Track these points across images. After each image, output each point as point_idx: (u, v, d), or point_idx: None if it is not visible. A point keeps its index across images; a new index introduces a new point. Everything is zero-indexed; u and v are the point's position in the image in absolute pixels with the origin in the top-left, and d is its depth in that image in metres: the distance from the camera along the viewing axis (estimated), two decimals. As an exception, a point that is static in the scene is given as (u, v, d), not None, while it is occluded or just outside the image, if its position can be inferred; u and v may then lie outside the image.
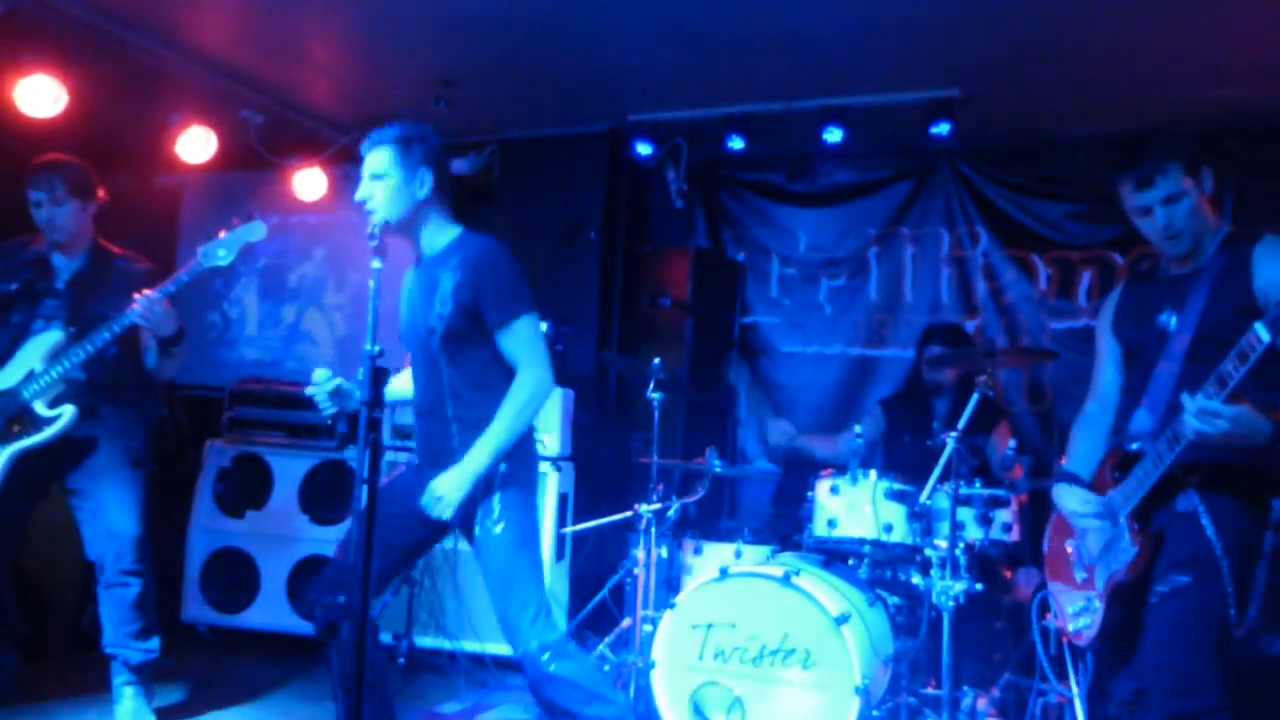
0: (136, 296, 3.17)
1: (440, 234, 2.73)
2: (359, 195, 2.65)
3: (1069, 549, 2.62)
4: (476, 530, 2.64)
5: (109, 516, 3.32)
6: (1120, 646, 2.49)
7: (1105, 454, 2.55)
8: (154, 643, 3.39)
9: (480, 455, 2.57)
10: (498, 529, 2.62)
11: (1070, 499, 2.56)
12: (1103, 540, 2.46)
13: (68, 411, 3.20)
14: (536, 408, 2.65)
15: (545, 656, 2.57)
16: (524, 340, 2.64)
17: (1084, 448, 2.66)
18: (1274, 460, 2.31)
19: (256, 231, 3.30)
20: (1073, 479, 2.60)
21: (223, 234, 3.30)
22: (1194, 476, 2.30)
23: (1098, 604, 2.45)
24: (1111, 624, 2.43)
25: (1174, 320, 2.43)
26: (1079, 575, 2.56)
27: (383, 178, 2.64)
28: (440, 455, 2.66)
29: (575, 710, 2.59)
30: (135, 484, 3.38)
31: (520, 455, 2.69)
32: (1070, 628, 2.57)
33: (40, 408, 3.20)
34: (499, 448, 2.59)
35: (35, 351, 3.24)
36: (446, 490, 2.56)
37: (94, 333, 3.21)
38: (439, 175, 2.69)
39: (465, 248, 2.69)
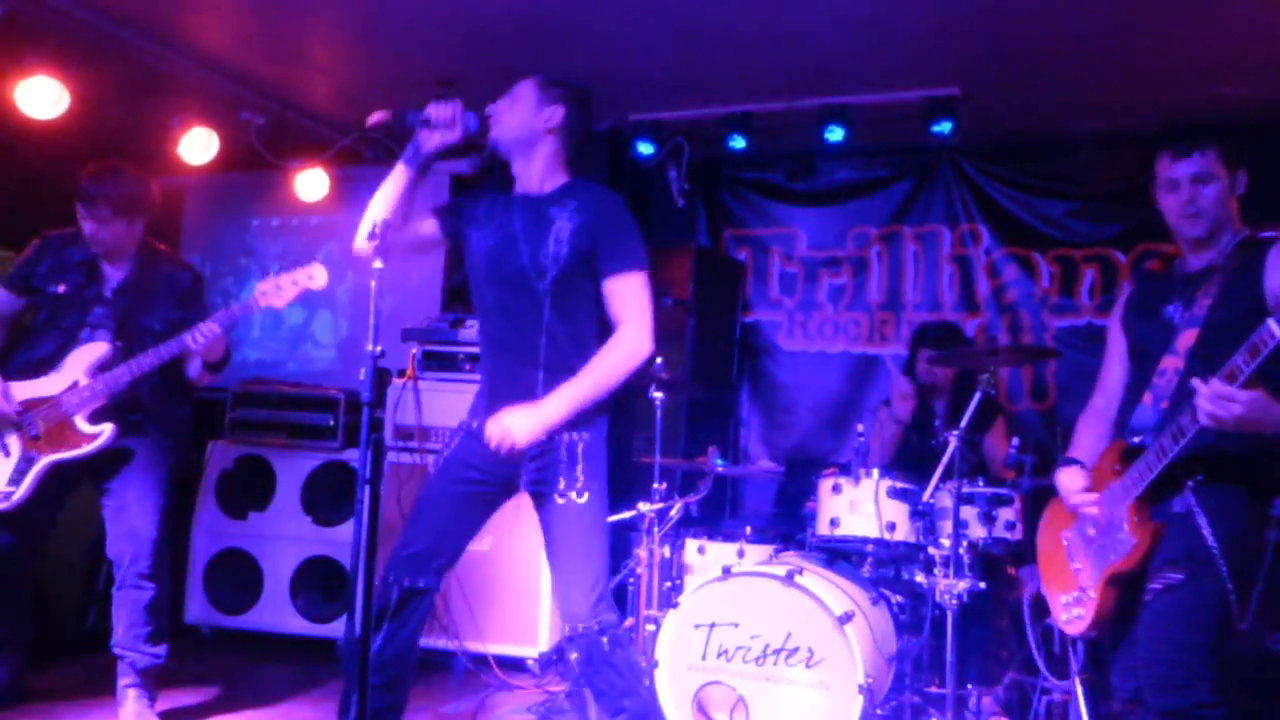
0: (192, 334, 3.17)
1: (553, 175, 2.66)
2: (489, 107, 2.62)
3: (1064, 540, 2.64)
4: (558, 499, 2.53)
5: (131, 517, 3.30)
6: (1118, 639, 2.50)
7: (1107, 446, 2.57)
8: (162, 649, 3.38)
9: (560, 401, 2.48)
10: (583, 499, 2.54)
11: (1067, 478, 2.60)
12: (1099, 529, 2.47)
13: (107, 430, 3.19)
14: (631, 367, 2.56)
15: (605, 639, 2.51)
16: (632, 295, 2.57)
17: (1086, 438, 2.69)
18: (1273, 457, 2.31)
19: (318, 278, 3.19)
20: (1073, 462, 2.63)
21: (283, 276, 3.21)
22: (1191, 476, 2.30)
23: (1091, 594, 2.46)
24: (1107, 614, 2.44)
25: (1179, 314, 2.44)
26: (1073, 565, 2.57)
27: (515, 97, 2.63)
28: (516, 401, 2.52)
29: (618, 698, 2.53)
30: (162, 490, 3.36)
31: (601, 428, 2.61)
32: (1063, 618, 2.59)
33: (81, 422, 3.18)
34: (582, 399, 2.50)
35: (81, 361, 3.21)
36: (516, 424, 2.45)
37: (142, 352, 3.17)
38: (569, 117, 2.63)
39: (584, 193, 2.63)
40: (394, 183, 2.61)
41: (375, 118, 2.51)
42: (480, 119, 2.60)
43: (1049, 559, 2.72)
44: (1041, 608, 3.84)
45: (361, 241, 2.57)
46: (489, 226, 2.65)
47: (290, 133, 5.34)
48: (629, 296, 2.57)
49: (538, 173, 2.65)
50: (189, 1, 4.23)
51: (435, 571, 2.61)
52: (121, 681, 3.34)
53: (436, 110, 2.53)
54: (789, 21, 4.10)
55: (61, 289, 3.31)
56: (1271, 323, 2.02)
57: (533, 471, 2.58)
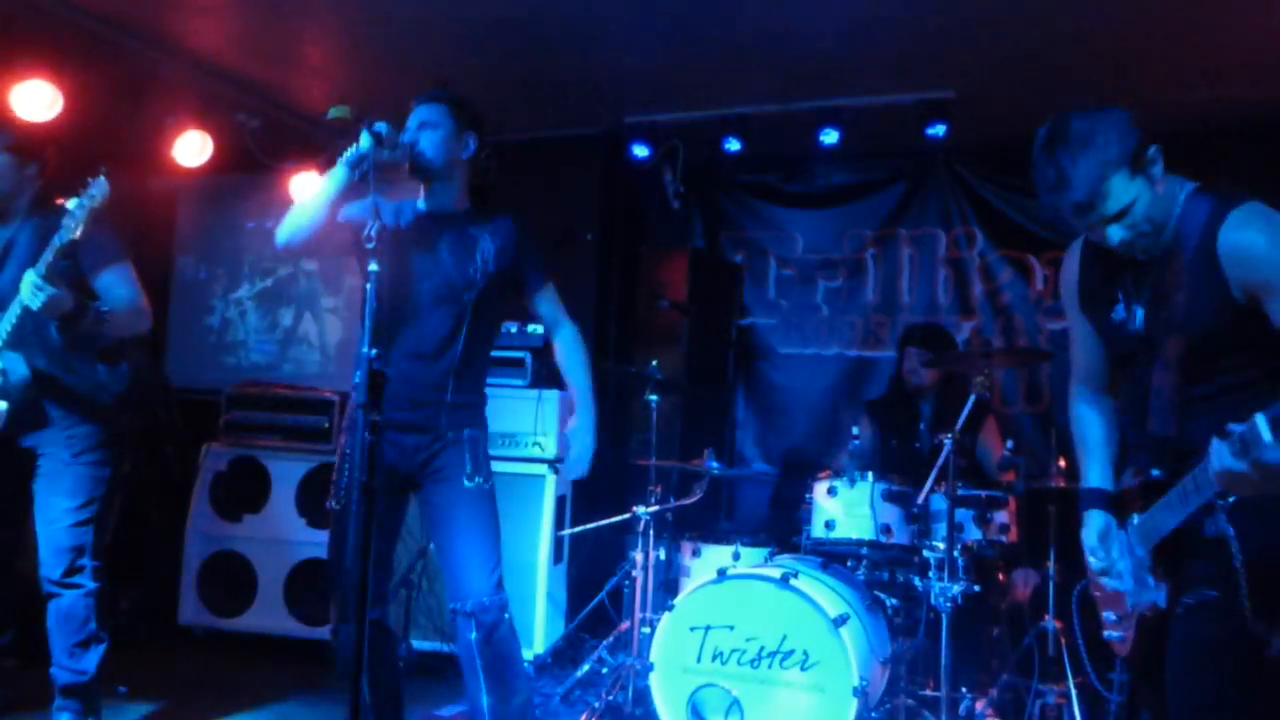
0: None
1: (462, 199, 2.88)
2: (405, 136, 2.73)
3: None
4: (466, 482, 2.70)
5: (45, 521, 3.05)
6: (1145, 678, 2.35)
7: (1130, 480, 2.29)
8: (87, 662, 3.06)
9: (591, 407, 2.91)
10: (487, 484, 2.75)
11: (1088, 535, 2.34)
12: (1133, 561, 2.27)
13: None
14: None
15: (507, 615, 2.66)
16: (557, 300, 2.94)
17: (1098, 448, 2.40)
18: None
19: (100, 189, 2.89)
20: (1095, 501, 2.35)
21: (70, 203, 2.89)
22: (1228, 499, 2.04)
23: (1128, 621, 2.31)
24: (1142, 642, 2.28)
25: (1140, 314, 2.15)
26: (1114, 583, 2.35)
27: (435, 127, 2.77)
28: (421, 405, 2.70)
29: (512, 680, 2.63)
30: (76, 489, 3.05)
31: (486, 422, 2.86)
32: (1106, 635, 2.40)
33: None
34: (593, 398, 2.91)
35: None
36: (584, 437, 2.89)
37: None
38: (479, 146, 2.86)
39: (496, 218, 2.87)
40: (330, 186, 2.68)
41: (336, 116, 2.66)
42: (414, 150, 2.74)
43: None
44: (1038, 608, 3.86)
45: (295, 238, 2.73)
46: (406, 238, 2.76)
47: (285, 135, 5.33)
48: (555, 300, 2.95)
49: (453, 194, 2.85)
50: (183, 4, 4.22)
51: (384, 599, 2.81)
52: (56, 702, 3.11)
53: (387, 129, 2.63)
54: (784, 24, 4.11)
55: None
56: None
57: (431, 463, 2.73)
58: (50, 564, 3.05)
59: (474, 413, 2.82)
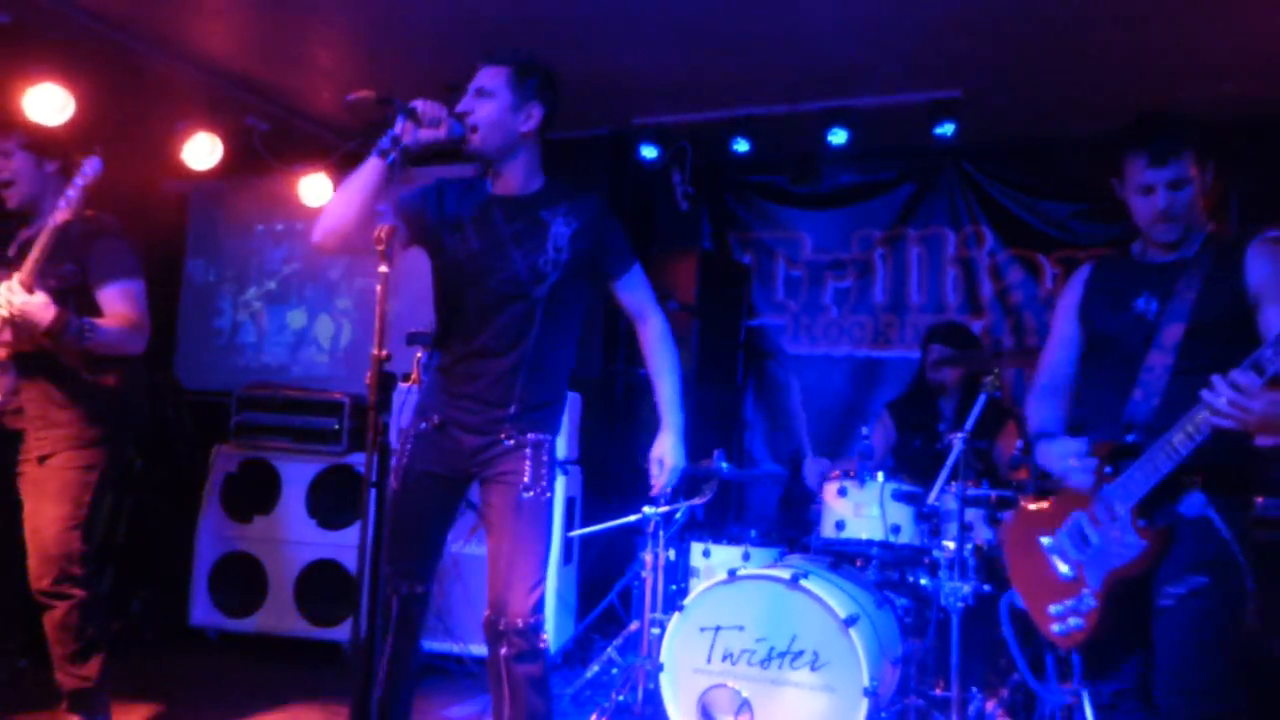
0: None
1: (533, 176, 2.61)
2: (459, 106, 2.47)
3: (1043, 546, 2.49)
4: (525, 492, 2.52)
5: (31, 530, 2.98)
6: (1105, 646, 2.41)
7: (1096, 444, 2.43)
8: (90, 669, 3.02)
9: (678, 412, 2.67)
10: (545, 495, 2.56)
11: (1058, 449, 2.48)
12: (1098, 531, 2.37)
13: None
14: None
15: (542, 638, 2.52)
16: (645, 285, 2.70)
17: (1048, 413, 2.60)
18: (1253, 458, 2.30)
19: (93, 167, 2.87)
20: (1051, 434, 2.55)
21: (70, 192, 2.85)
22: (1197, 477, 2.24)
23: (1090, 601, 2.36)
24: (1108, 621, 2.35)
25: (1155, 307, 2.38)
26: (1060, 572, 2.44)
27: (491, 96, 2.49)
28: (487, 406, 2.53)
29: (542, 691, 2.54)
30: (64, 494, 2.97)
31: (559, 423, 2.67)
32: (1055, 629, 2.43)
33: None
34: (682, 395, 2.69)
35: None
36: (675, 455, 2.63)
37: None
38: (547, 116, 2.57)
39: (572, 196, 2.61)
40: (363, 177, 2.40)
41: (357, 96, 2.35)
42: (464, 125, 2.46)
43: (1026, 569, 2.56)
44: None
45: (330, 238, 2.46)
46: (469, 231, 2.56)
47: (294, 138, 5.36)
48: (643, 285, 2.70)
49: (519, 174, 2.59)
50: (193, 8, 4.24)
51: (428, 575, 2.65)
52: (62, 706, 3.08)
53: (424, 104, 2.39)
54: (792, 25, 4.11)
55: None
56: None
57: (489, 467, 2.56)
58: (38, 574, 2.95)
59: (545, 415, 2.59)
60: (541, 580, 2.53)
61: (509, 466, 2.54)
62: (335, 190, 2.50)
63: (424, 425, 2.62)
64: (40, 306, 2.79)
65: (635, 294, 2.69)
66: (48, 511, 2.97)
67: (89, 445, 3.02)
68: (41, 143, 3.13)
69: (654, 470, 2.64)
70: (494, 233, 2.54)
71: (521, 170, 2.59)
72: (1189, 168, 2.36)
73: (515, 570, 2.50)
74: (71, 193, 2.84)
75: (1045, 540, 2.50)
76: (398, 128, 2.36)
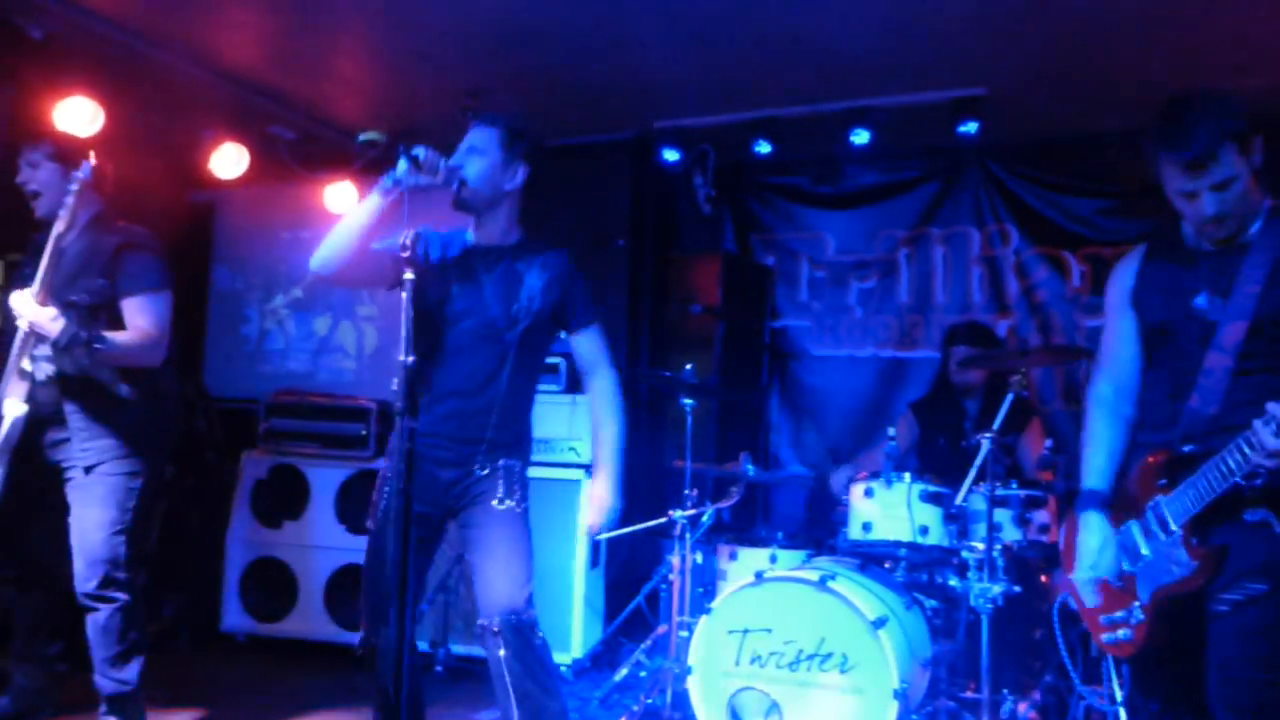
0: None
1: (510, 231, 2.80)
2: (453, 159, 2.66)
3: None
4: (496, 504, 2.67)
5: (77, 534, 3.06)
6: (1155, 663, 2.35)
7: (1146, 455, 2.32)
8: (129, 673, 3.09)
9: (615, 459, 2.81)
10: (519, 508, 2.71)
11: (1085, 540, 2.36)
12: (1152, 547, 2.28)
13: (11, 410, 2.94)
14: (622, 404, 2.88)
15: (536, 632, 2.60)
16: (601, 343, 2.86)
17: (1101, 455, 2.42)
18: None
19: (84, 171, 2.96)
20: (1096, 503, 2.38)
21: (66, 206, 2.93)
22: (1262, 491, 2.10)
23: (1140, 615, 2.29)
24: (1157, 636, 2.27)
25: (1215, 302, 2.20)
26: (1114, 582, 2.38)
27: (483, 154, 2.69)
28: (461, 443, 2.69)
29: (541, 697, 2.56)
30: (110, 500, 3.06)
31: (528, 463, 2.82)
32: (1105, 638, 2.39)
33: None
34: (620, 451, 2.82)
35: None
36: (610, 502, 2.78)
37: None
38: (529, 176, 2.77)
39: (544, 252, 2.80)
40: (365, 210, 2.60)
41: (367, 138, 2.59)
42: (455, 174, 2.63)
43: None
44: (1069, 612, 3.81)
45: (328, 265, 2.67)
46: (450, 275, 2.73)
47: (318, 146, 5.40)
48: (597, 343, 2.86)
49: (499, 226, 2.77)
50: (220, 20, 4.29)
51: (412, 617, 2.70)
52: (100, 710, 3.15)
53: (426, 153, 2.55)
54: (813, 25, 4.09)
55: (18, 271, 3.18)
56: None
57: (467, 494, 2.71)
58: (84, 577, 3.04)
59: (514, 446, 2.77)
60: (528, 581, 2.64)
61: (482, 489, 2.70)
62: (338, 224, 2.68)
63: (399, 464, 2.70)
64: (49, 319, 2.88)
65: (590, 349, 2.86)
66: (94, 517, 3.05)
67: (131, 455, 3.12)
68: (68, 153, 3.17)
69: (590, 510, 2.80)
70: (473, 279, 2.73)
71: (502, 222, 2.78)
72: (1232, 163, 2.12)
73: (501, 575, 2.62)
74: (69, 199, 2.90)
75: None
76: (400, 170, 2.53)
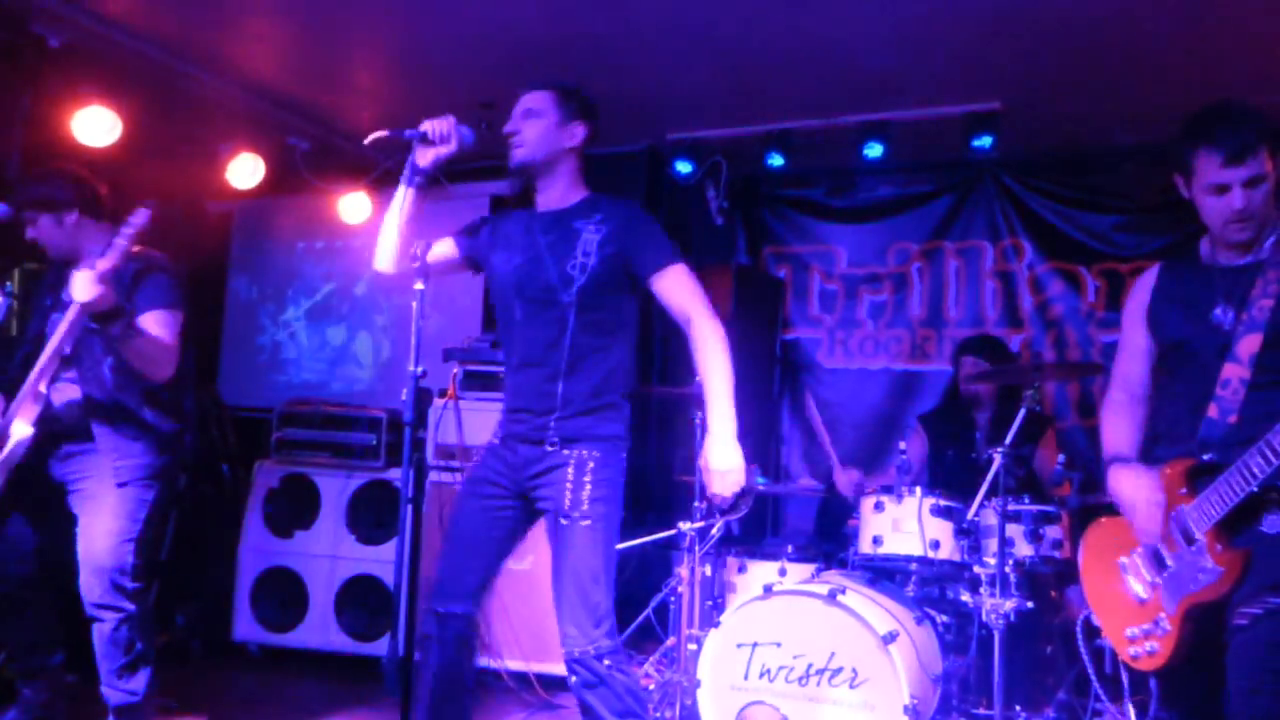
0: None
1: (573, 190, 2.70)
2: (507, 128, 2.63)
3: (1121, 566, 2.44)
4: (561, 520, 2.49)
5: (85, 543, 3.05)
6: (1183, 673, 2.32)
7: (1171, 464, 2.33)
8: (136, 683, 3.07)
9: (727, 413, 2.52)
10: (585, 522, 2.49)
11: (1135, 482, 2.35)
12: (1174, 555, 2.28)
13: (17, 436, 2.99)
14: (728, 352, 2.60)
15: (606, 662, 2.46)
16: (684, 285, 2.63)
17: (1123, 434, 2.49)
18: None
19: (140, 218, 2.97)
20: (1126, 459, 2.43)
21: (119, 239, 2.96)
22: (1271, 494, 2.12)
23: (1167, 626, 2.27)
24: (1185, 647, 2.25)
25: (1230, 316, 2.27)
26: (1136, 594, 2.37)
27: (540, 115, 2.63)
28: (531, 415, 2.58)
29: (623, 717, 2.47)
30: (120, 510, 3.07)
31: (617, 449, 2.60)
32: (1131, 652, 2.37)
33: (14, 427, 3.01)
34: (730, 399, 2.53)
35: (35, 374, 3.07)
36: (720, 459, 2.49)
37: (91, 360, 3.06)
38: (588, 135, 2.70)
39: (606, 204, 2.68)
40: (398, 204, 2.63)
41: (373, 137, 2.55)
42: (476, 132, 2.60)
43: (1101, 588, 2.49)
44: (1094, 625, 3.78)
45: (383, 263, 2.68)
46: (514, 247, 2.68)
47: (334, 157, 5.44)
48: (681, 288, 2.63)
49: (559, 189, 2.69)
50: (236, 31, 4.33)
51: (470, 595, 2.59)
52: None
53: (431, 124, 2.55)
54: (827, 38, 4.10)
55: (35, 305, 3.26)
56: None
57: (539, 488, 2.56)
58: (90, 586, 3.02)
59: (591, 422, 2.56)
60: (599, 604, 2.46)
61: (548, 491, 2.54)
62: (383, 223, 2.71)
63: (493, 440, 2.71)
64: (106, 295, 2.88)
65: (673, 295, 2.63)
66: (103, 525, 3.06)
67: (152, 476, 3.15)
68: (49, 200, 3.20)
69: (707, 480, 2.55)
70: (533, 245, 2.65)
71: (562, 184, 2.69)
72: (1264, 163, 2.24)
73: (568, 601, 2.48)
74: (121, 241, 2.93)
75: (1122, 560, 2.44)
76: (414, 155, 2.57)
